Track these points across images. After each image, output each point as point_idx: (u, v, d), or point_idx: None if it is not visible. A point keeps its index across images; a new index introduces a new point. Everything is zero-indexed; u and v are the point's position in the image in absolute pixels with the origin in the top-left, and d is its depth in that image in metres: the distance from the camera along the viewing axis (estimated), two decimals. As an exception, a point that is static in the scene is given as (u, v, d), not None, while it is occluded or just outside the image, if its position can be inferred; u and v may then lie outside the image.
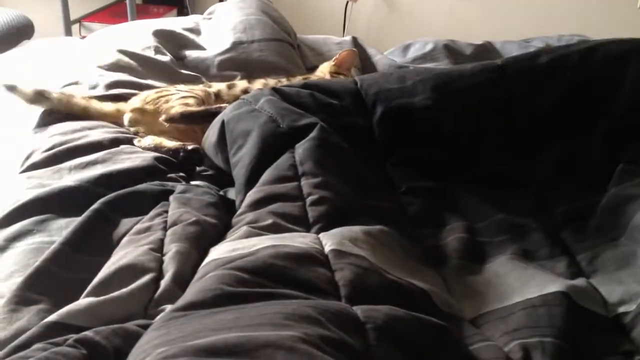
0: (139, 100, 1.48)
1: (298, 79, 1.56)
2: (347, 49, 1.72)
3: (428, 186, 1.23)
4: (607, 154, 1.28)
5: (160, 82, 1.61)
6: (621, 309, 0.96)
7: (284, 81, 1.57)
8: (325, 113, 1.26)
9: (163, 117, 1.41)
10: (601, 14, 2.85)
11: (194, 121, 1.41)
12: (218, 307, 0.73)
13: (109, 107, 1.48)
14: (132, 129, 1.44)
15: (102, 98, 1.51)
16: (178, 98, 1.45)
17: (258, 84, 1.56)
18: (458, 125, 1.31)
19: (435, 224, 1.15)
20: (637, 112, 1.31)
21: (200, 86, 1.56)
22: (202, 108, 1.42)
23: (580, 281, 1.01)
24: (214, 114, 1.34)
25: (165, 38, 1.77)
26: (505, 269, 1.04)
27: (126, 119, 1.45)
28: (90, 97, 1.50)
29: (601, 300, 0.98)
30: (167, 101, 1.45)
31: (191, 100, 1.45)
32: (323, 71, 1.66)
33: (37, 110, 1.55)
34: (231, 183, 1.21)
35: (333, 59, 1.67)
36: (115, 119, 1.47)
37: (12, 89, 1.42)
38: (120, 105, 1.49)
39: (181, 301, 0.76)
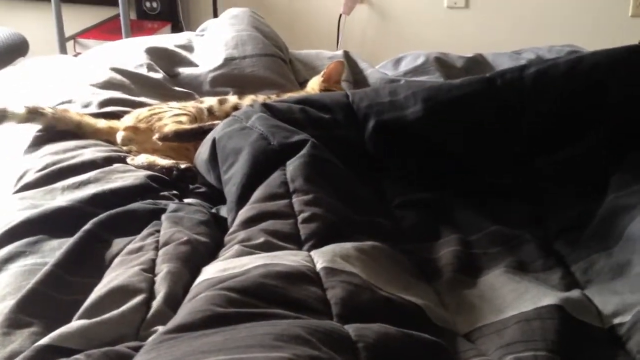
0: (131, 118, 1.48)
1: (287, 96, 1.56)
2: (335, 60, 1.72)
3: (421, 199, 1.24)
4: (601, 164, 1.29)
5: (153, 100, 1.62)
6: (616, 320, 0.96)
7: (274, 97, 1.58)
8: (317, 128, 1.26)
9: (156, 135, 1.42)
10: (593, 23, 2.87)
11: (187, 139, 1.41)
12: (208, 329, 0.73)
13: (102, 124, 1.48)
14: (124, 148, 1.44)
15: (95, 116, 1.51)
16: (171, 116, 1.46)
17: (248, 100, 1.57)
18: (449, 137, 1.31)
19: (429, 238, 1.15)
20: (629, 122, 1.31)
21: (192, 102, 1.57)
22: (195, 126, 1.43)
23: (574, 293, 1.01)
24: (206, 132, 1.34)
25: (158, 55, 1.78)
26: (499, 282, 1.04)
27: (119, 137, 1.45)
28: (84, 114, 1.51)
29: (596, 312, 0.98)
30: (159, 119, 1.45)
31: (184, 118, 1.46)
32: (313, 87, 1.66)
33: (31, 130, 1.56)
34: (224, 200, 1.21)
35: (322, 73, 1.67)
36: (108, 136, 1.47)
37: (2, 119, 1.41)
38: (113, 123, 1.49)
39: (172, 323, 0.76)
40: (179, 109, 1.49)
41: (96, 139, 1.46)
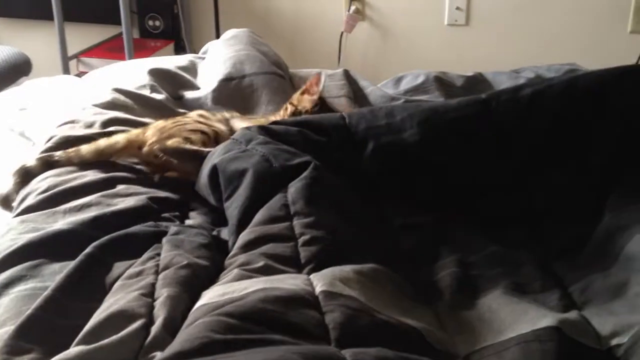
0: (153, 132, 1.47)
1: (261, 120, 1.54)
2: (314, 76, 1.65)
3: (421, 221, 1.24)
4: (599, 184, 1.29)
5: (155, 120, 1.62)
6: (614, 342, 0.96)
7: (262, 120, 1.55)
8: (314, 151, 1.27)
9: (157, 146, 1.41)
10: (592, 40, 2.88)
11: (185, 159, 1.40)
12: (205, 356, 0.73)
13: (120, 143, 1.45)
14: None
15: (99, 136, 1.51)
16: (187, 130, 1.46)
17: (238, 121, 1.56)
18: (446, 159, 1.32)
19: (429, 259, 1.15)
20: (627, 142, 1.32)
21: (218, 115, 1.56)
22: (195, 148, 1.42)
23: (572, 314, 1.01)
24: (199, 156, 1.35)
25: (161, 77, 1.79)
26: (498, 304, 1.04)
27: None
28: (94, 134, 1.50)
29: (594, 333, 0.98)
30: (178, 130, 1.45)
31: (196, 137, 1.45)
32: (292, 101, 1.61)
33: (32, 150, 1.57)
34: (225, 222, 1.21)
35: (301, 90, 1.63)
36: (129, 151, 1.46)
37: (25, 175, 1.39)
38: (131, 135, 1.47)
39: (169, 350, 0.76)
40: (202, 123, 1.49)
41: (120, 158, 1.45)
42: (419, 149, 1.31)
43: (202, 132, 1.46)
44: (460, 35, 3.02)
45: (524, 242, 1.22)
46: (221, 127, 1.52)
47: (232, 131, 1.50)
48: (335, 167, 1.25)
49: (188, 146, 1.42)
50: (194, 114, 1.58)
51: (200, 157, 1.36)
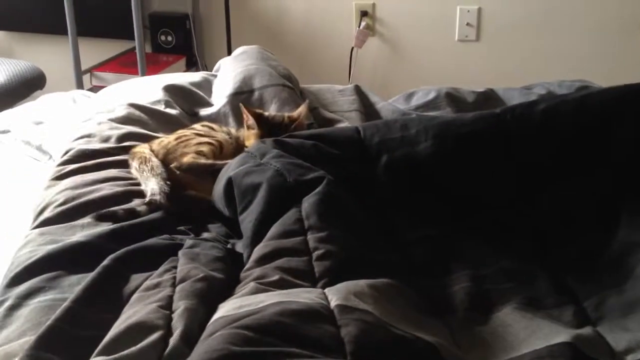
0: (160, 148, 1.50)
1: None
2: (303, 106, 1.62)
3: (433, 234, 1.24)
4: (609, 200, 1.29)
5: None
6: (628, 358, 0.97)
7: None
8: (328, 164, 1.28)
9: (174, 164, 1.43)
10: (605, 56, 2.89)
11: (200, 174, 1.42)
12: (225, 369, 0.74)
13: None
14: None
15: (114, 150, 1.54)
16: (195, 144, 1.48)
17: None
18: (460, 172, 1.33)
19: (441, 274, 1.16)
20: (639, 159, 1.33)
21: (225, 129, 1.59)
22: (209, 162, 1.44)
23: (586, 330, 1.01)
24: (218, 170, 1.36)
25: (175, 93, 1.81)
26: (511, 319, 1.04)
27: None
28: (108, 153, 1.53)
29: (608, 349, 0.99)
30: (185, 146, 1.47)
31: (206, 148, 1.47)
32: None
33: (49, 163, 1.59)
34: (240, 234, 1.22)
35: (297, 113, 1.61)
36: None
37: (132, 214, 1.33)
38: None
39: (189, 361, 0.78)
40: (205, 135, 1.52)
41: None
42: (433, 162, 1.32)
43: (209, 143, 1.49)
44: (470, 51, 3.04)
45: (537, 255, 1.22)
46: (225, 136, 1.56)
47: (237, 141, 1.54)
48: (349, 181, 1.26)
49: (203, 161, 1.44)
50: (197, 125, 1.60)
51: (216, 171, 1.37)
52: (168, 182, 1.38)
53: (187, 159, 1.44)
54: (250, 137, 1.54)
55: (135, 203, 1.34)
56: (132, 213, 1.30)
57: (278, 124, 1.55)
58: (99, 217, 1.27)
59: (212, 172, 1.39)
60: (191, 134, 1.53)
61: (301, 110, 1.59)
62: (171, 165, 1.44)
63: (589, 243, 1.23)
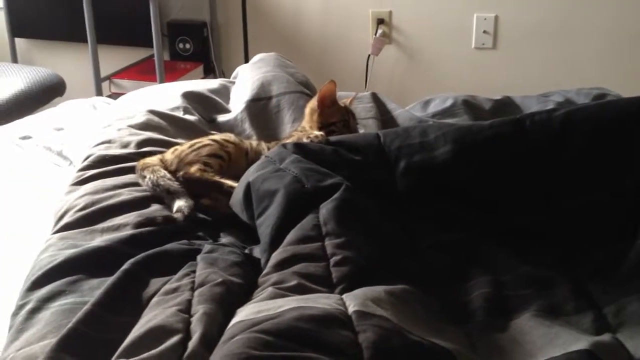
0: (171, 159, 1.51)
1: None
2: (327, 84, 1.67)
3: (451, 240, 1.25)
4: (629, 208, 1.29)
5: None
6: (648, 366, 0.96)
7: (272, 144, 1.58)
8: (348, 169, 1.29)
9: (181, 173, 1.45)
10: (622, 65, 2.87)
11: (202, 189, 1.43)
12: (244, 372, 0.75)
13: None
14: None
15: (134, 155, 1.55)
16: (204, 155, 1.49)
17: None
18: (479, 177, 1.33)
19: (459, 280, 1.16)
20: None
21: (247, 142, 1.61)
22: (214, 179, 1.44)
23: (606, 337, 1.01)
24: (221, 190, 1.39)
25: (194, 100, 1.83)
26: (530, 326, 1.04)
27: None
28: (128, 159, 1.54)
29: (627, 357, 0.98)
30: (197, 154, 1.49)
31: (213, 161, 1.48)
32: (306, 126, 1.64)
33: (69, 168, 1.61)
34: (257, 239, 1.23)
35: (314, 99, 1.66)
36: None
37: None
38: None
39: (208, 365, 0.78)
40: (216, 143, 1.53)
41: None
42: (451, 167, 1.32)
43: (217, 156, 1.50)
44: (487, 59, 3.03)
45: (557, 262, 1.21)
46: (244, 147, 1.57)
47: (256, 154, 1.54)
48: (369, 186, 1.26)
49: (208, 177, 1.45)
50: (217, 136, 1.60)
51: (217, 187, 1.40)
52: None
53: (194, 170, 1.45)
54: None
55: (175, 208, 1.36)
56: (170, 220, 1.32)
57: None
58: (138, 225, 1.29)
59: (210, 187, 1.41)
60: (205, 141, 1.54)
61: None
62: (178, 174, 1.45)
63: (611, 250, 1.23)
